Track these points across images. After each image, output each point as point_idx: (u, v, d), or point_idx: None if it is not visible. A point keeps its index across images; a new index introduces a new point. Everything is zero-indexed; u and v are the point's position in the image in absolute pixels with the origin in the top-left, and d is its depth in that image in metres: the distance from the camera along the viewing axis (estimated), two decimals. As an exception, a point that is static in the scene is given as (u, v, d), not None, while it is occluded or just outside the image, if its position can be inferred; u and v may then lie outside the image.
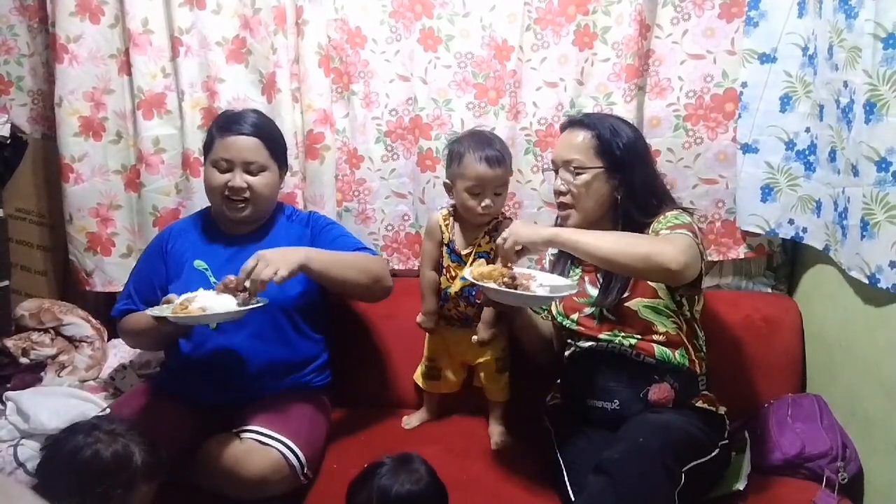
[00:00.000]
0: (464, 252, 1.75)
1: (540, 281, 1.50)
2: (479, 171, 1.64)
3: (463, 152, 1.66)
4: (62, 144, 2.09)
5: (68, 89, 2.06)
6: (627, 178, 1.57)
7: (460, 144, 1.70)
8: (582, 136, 1.59)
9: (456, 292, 1.75)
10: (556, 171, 1.64)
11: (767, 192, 1.89)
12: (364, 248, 1.78)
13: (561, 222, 1.66)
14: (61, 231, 2.21)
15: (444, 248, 1.78)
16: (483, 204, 1.67)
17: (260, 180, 1.70)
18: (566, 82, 1.99)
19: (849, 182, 1.53)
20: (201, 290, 1.49)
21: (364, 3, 2.04)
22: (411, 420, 1.86)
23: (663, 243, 1.41)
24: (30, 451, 1.65)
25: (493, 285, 1.42)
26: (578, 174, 1.58)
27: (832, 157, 1.62)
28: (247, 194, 1.69)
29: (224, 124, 1.73)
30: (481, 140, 1.69)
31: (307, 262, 1.53)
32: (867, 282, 1.48)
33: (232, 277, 1.48)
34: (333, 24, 2.05)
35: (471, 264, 1.66)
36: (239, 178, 1.67)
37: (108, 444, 1.26)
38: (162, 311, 1.45)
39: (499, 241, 1.48)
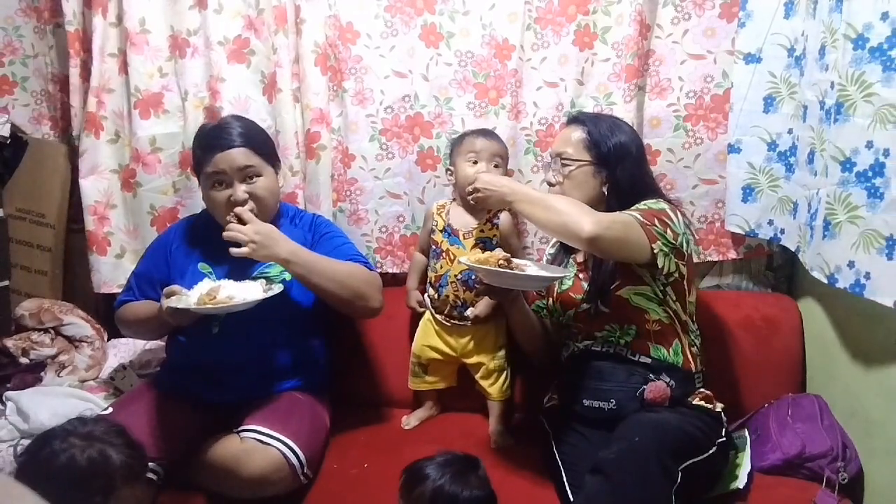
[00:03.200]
0: (462, 232, 1.82)
1: (534, 270, 1.58)
2: (475, 143, 1.84)
3: (462, 137, 1.89)
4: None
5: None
6: (613, 176, 1.61)
7: (459, 135, 1.92)
8: (575, 132, 1.66)
9: (455, 275, 1.79)
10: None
11: (749, 192, 1.89)
12: (363, 262, 1.75)
13: None
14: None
15: (441, 234, 1.84)
16: (481, 171, 1.77)
17: (259, 185, 1.68)
18: (566, 82, 1.99)
19: (822, 183, 1.53)
20: (228, 280, 1.61)
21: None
22: (410, 420, 1.86)
23: (586, 214, 1.43)
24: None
25: (488, 267, 1.47)
26: (565, 165, 1.65)
27: (810, 158, 1.62)
28: (251, 204, 1.68)
29: (207, 142, 1.68)
30: (478, 128, 1.92)
31: (288, 259, 1.58)
32: (826, 282, 1.48)
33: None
34: (327, 21, 2.03)
35: (472, 248, 1.79)
36: (240, 191, 1.65)
37: (83, 449, 1.22)
38: (180, 301, 1.51)
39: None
